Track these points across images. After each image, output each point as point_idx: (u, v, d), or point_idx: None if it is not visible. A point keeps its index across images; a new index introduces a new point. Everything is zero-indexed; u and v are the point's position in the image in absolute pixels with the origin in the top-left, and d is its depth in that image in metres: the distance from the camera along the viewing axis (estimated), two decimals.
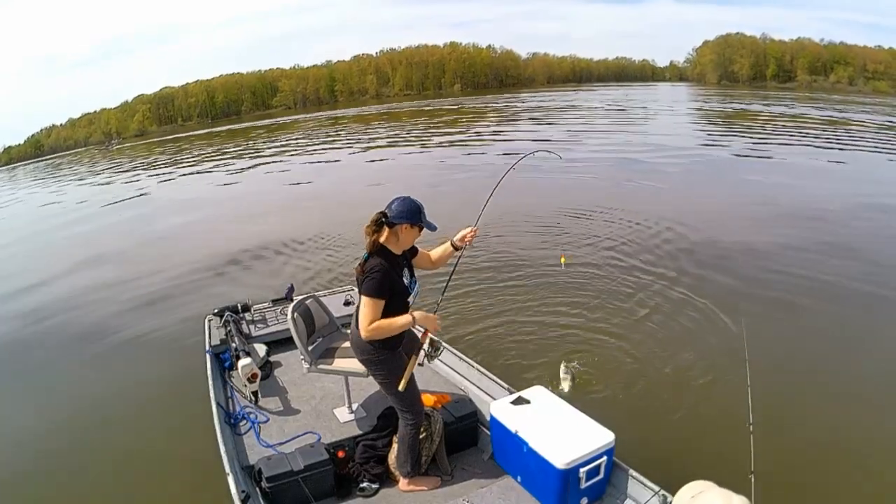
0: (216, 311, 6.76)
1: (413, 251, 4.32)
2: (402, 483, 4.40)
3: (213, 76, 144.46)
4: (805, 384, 6.37)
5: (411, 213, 4.00)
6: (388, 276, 3.93)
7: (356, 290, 7.07)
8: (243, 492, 3.84)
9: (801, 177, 17.80)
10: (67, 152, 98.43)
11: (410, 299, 4.17)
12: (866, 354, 6.96)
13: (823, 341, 7.36)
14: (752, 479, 3.12)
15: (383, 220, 3.99)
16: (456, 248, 4.52)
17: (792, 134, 29.33)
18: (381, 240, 4.00)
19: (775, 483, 4.28)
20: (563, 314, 8.18)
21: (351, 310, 6.42)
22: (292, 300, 5.93)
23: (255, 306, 7.00)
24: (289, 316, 4.94)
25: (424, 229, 4.15)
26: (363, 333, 3.96)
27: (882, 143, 25.59)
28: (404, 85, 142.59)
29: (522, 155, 4.94)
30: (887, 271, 9.39)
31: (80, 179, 38.79)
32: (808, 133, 29.50)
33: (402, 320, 3.97)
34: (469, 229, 4.51)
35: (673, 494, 3.57)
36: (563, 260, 4.92)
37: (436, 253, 4.54)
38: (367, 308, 3.92)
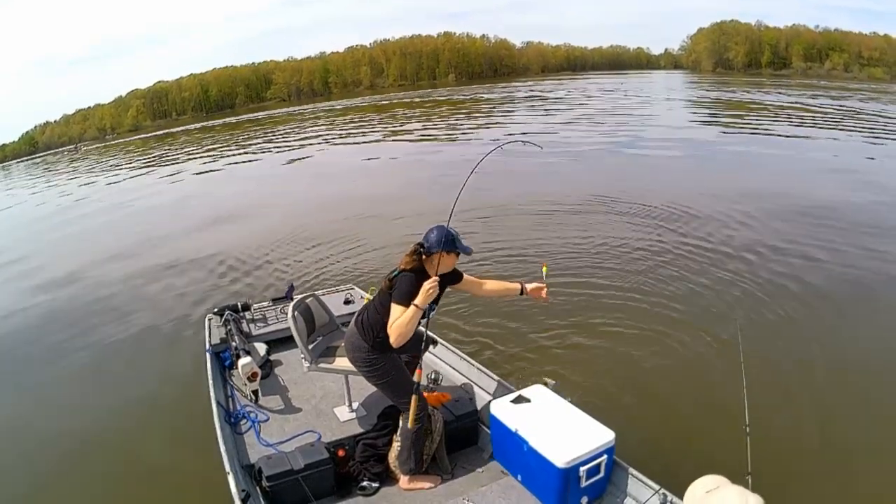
0: (216, 310, 6.76)
1: (455, 278, 4.48)
2: (403, 481, 4.41)
3: (207, 70, 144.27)
4: (801, 385, 6.31)
5: (447, 242, 4.15)
6: (416, 288, 4.06)
7: (357, 289, 7.17)
8: (243, 491, 3.84)
9: (801, 170, 17.73)
10: (60, 149, 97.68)
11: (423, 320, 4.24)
12: (863, 355, 6.90)
13: (819, 342, 7.23)
14: (750, 480, 3.12)
15: (421, 250, 4.20)
16: (521, 294, 4.72)
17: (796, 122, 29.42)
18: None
19: (772, 483, 4.29)
20: (563, 314, 8.14)
21: (351, 308, 6.46)
22: (292, 299, 5.91)
23: (256, 305, 7.00)
24: (289, 314, 4.94)
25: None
26: (393, 341, 4.04)
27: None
28: (398, 75, 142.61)
29: (492, 149, 4.87)
30: (889, 273, 9.20)
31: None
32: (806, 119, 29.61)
33: (410, 311, 4.02)
34: (540, 285, 4.71)
35: (673, 493, 3.59)
36: (544, 269, 4.96)
37: (493, 285, 4.78)
38: (392, 314, 4.06)
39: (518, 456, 4.21)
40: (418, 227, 4.27)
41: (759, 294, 8.52)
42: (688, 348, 7.16)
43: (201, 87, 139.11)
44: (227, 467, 4.05)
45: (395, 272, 4.17)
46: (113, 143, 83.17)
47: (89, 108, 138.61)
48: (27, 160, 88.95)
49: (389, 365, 4.35)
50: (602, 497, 4.05)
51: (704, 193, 14.39)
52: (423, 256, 4.19)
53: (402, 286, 4.07)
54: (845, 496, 4.76)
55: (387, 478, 4.52)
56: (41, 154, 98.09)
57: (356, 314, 4.48)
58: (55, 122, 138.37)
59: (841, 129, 26.22)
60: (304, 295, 5.55)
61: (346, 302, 6.80)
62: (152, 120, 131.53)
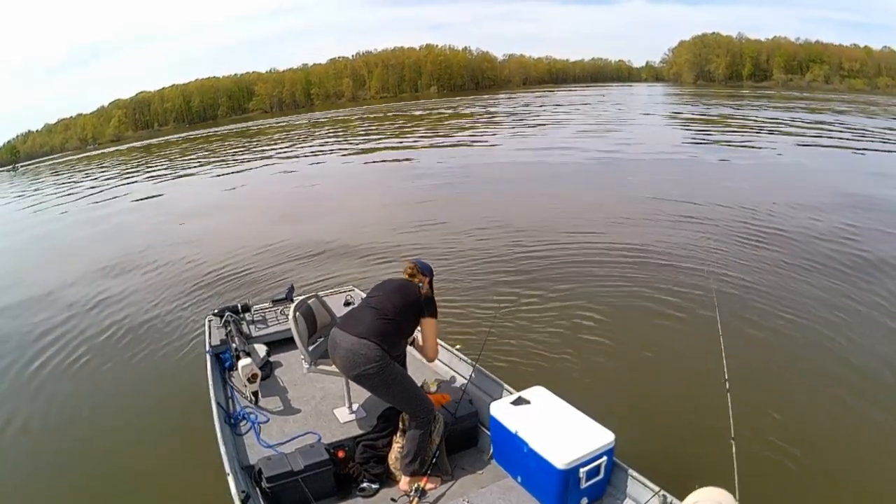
0: (216, 311, 6.77)
1: None
2: (403, 482, 4.40)
3: (190, 80, 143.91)
4: (787, 394, 6.26)
5: (431, 272, 4.85)
6: None
7: (356, 290, 7.21)
8: (243, 492, 3.84)
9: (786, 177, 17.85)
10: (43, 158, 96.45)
11: None
12: (850, 357, 6.83)
13: (811, 351, 7.14)
14: (736, 484, 3.14)
15: (418, 269, 4.74)
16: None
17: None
18: None
19: (759, 493, 4.33)
20: (564, 315, 8.18)
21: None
22: (292, 300, 5.94)
23: (256, 306, 7.01)
24: (290, 315, 4.96)
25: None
26: (434, 356, 4.92)
27: None
28: (380, 87, 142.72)
29: None
30: (874, 273, 9.21)
31: None
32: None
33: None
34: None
35: (673, 495, 3.60)
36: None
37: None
38: (434, 330, 4.77)
39: (518, 457, 4.22)
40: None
41: (744, 296, 8.50)
42: (691, 352, 7.12)
43: (184, 98, 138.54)
44: (227, 468, 4.04)
45: (420, 285, 4.67)
46: (73, 157, 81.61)
47: (71, 117, 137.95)
48: None
49: (402, 371, 4.47)
50: (602, 498, 4.06)
51: (714, 199, 14.43)
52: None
53: (434, 304, 4.66)
54: (844, 496, 4.78)
55: (387, 479, 4.52)
56: (24, 163, 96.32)
57: (351, 325, 4.47)
58: (37, 131, 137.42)
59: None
60: (307, 295, 5.55)
61: (346, 303, 6.79)
62: (134, 130, 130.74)
